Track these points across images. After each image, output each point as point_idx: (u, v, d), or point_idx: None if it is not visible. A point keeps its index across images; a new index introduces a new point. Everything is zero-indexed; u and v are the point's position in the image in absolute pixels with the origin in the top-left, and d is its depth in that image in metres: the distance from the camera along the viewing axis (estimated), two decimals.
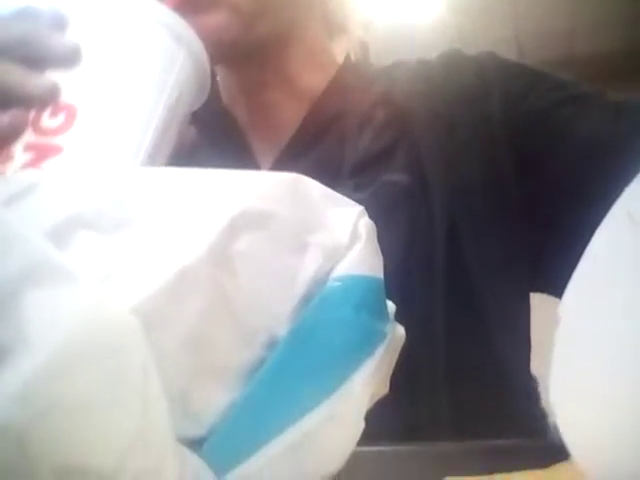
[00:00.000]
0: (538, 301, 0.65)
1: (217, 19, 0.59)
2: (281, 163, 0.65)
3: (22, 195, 0.25)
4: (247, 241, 0.27)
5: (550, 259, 0.60)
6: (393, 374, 0.53)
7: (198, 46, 0.47)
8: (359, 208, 0.33)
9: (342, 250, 0.30)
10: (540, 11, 3.96)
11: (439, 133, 0.63)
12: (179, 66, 0.45)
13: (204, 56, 0.48)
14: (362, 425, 0.29)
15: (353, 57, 0.73)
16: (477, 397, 0.58)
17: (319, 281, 0.29)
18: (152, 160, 0.42)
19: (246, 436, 0.25)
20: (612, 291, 0.21)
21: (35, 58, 0.41)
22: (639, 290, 0.20)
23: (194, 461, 0.23)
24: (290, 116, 0.68)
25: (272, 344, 0.27)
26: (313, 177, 0.63)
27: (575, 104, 0.60)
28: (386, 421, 0.52)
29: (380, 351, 0.30)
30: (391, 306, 0.33)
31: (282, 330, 0.27)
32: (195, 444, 0.24)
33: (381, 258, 0.33)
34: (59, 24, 0.43)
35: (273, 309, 0.27)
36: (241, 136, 0.69)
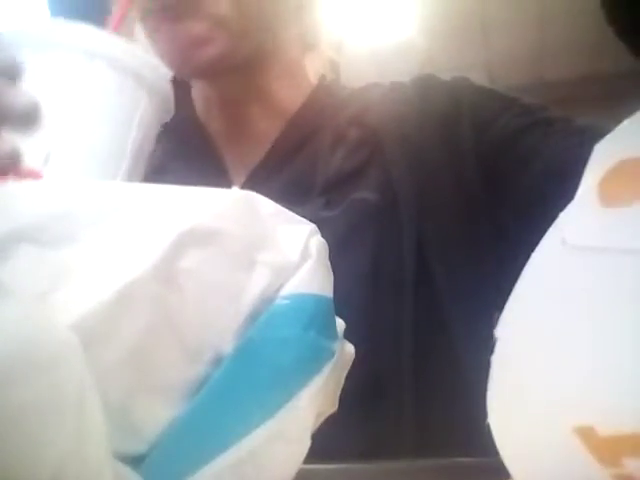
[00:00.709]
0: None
1: (200, 29, 0.57)
2: (254, 179, 0.65)
3: None
4: (194, 258, 0.27)
5: (514, 280, 0.60)
6: (359, 389, 0.53)
7: (160, 82, 0.45)
8: (311, 226, 0.33)
9: (291, 268, 0.30)
10: (510, 36, 4.03)
11: (410, 155, 0.64)
12: (142, 107, 0.42)
13: (168, 90, 0.46)
14: (308, 443, 0.29)
15: (327, 78, 0.74)
16: (442, 414, 0.58)
17: (267, 299, 0.29)
18: None
19: (188, 453, 0.25)
20: (544, 312, 0.22)
21: None
22: (569, 311, 0.21)
23: (132, 478, 0.23)
24: (265, 133, 0.68)
25: (217, 361, 0.27)
26: (285, 194, 0.63)
27: (541, 129, 0.62)
28: (351, 437, 0.53)
29: (327, 369, 0.30)
30: (340, 324, 0.33)
31: (228, 347, 0.27)
32: (135, 461, 0.24)
33: (331, 276, 0.33)
34: (13, 75, 0.39)
35: (219, 326, 0.27)
36: (214, 150, 0.69)
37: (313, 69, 0.74)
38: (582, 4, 3.81)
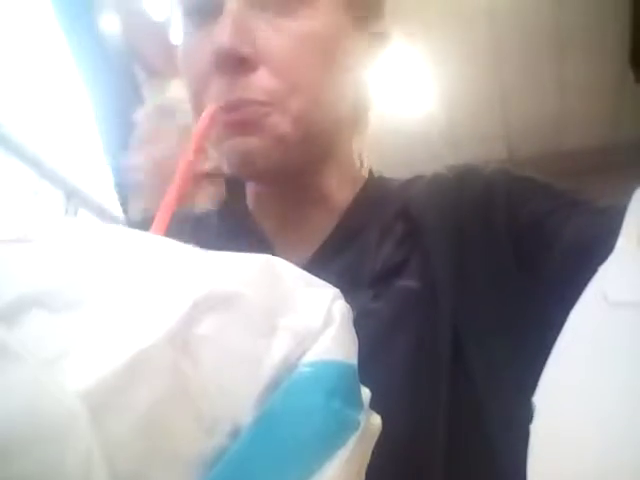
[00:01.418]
0: None
1: (257, 145, 0.60)
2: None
3: None
4: (211, 324, 0.25)
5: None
6: (393, 471, 0.52)
7: None
8: (333, 290, 0.32)
9: (314, 334, 0.29)
10: (528, 107, 4.07)
11: (448, 242, 0.66)
12: None
13: None
14: None
15: (374, 172, 0.77)
16: None
17: (288, 366, 0.28)
18: None
19: None
20: (586, 373, 0.20)
21: None
22: (615, 369, 0.19)
23: None
24: (317, 228, 0.70)
25: (235, 432, 0.26)
26: (335, 286, 0.66)
27: (566, 209, 0.64)
28: None
29: (353, 441, 0.28)
30: (366, 393, 0.31)
31: (247, 418, 0.26)
32: None
33: (356, 343, 0.31)
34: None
35: (237, 396, 0.26)
36: (266, 244, 0.70)
37: (360, 160, 0.77)
38: (599, 74, 3.86)
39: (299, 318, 0.29)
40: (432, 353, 0.61)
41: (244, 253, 0.31)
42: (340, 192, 0.71)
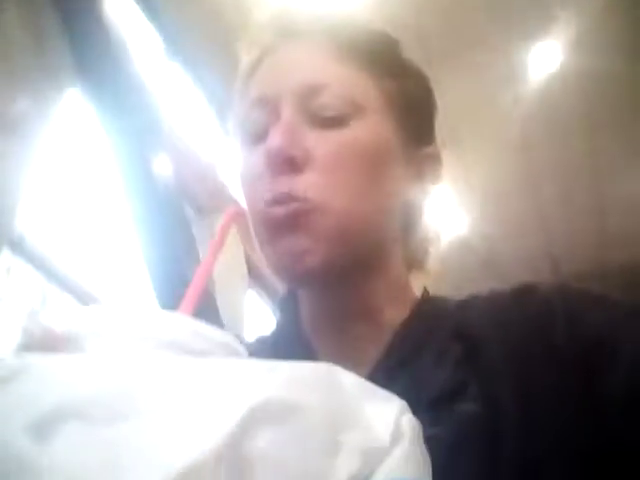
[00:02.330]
0: None
1: (300, 244, 0.61)
2: None
3: (8, 380, 0.21)
4: (267, 437, 0.22)
5: None
6: None
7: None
8: (401, 402, 0.29)
9: (382, 451, 0.26)
10: (569, 224, 4.06)
11: (509, 363, 0.64)
12: None
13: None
14: None
15: (429, 291, 0.75)
16: None
17: None
18: None
19: None
20: None
21: None
22: None
23: None
24: (370, 349, 0.68)
25: None
26: None
27: (627, 320, 0.63)
28: None
29: None
30: None
31: None
32: None
33: (429, 459, 0.28)
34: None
35: None
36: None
37: (417, 283, 0.76)
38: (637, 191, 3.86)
39: (365, 434, 0.26)
40: (494, 477, 0.58)
41: (304, 362, 0.29)
42: (391, 309, 0.70)
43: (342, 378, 0.28)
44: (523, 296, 0.70)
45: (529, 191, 3.91)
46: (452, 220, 3.90)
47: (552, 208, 3.99)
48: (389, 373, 0.66)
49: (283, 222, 0.62)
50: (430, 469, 0.27)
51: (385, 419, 0.27)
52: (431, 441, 0.60)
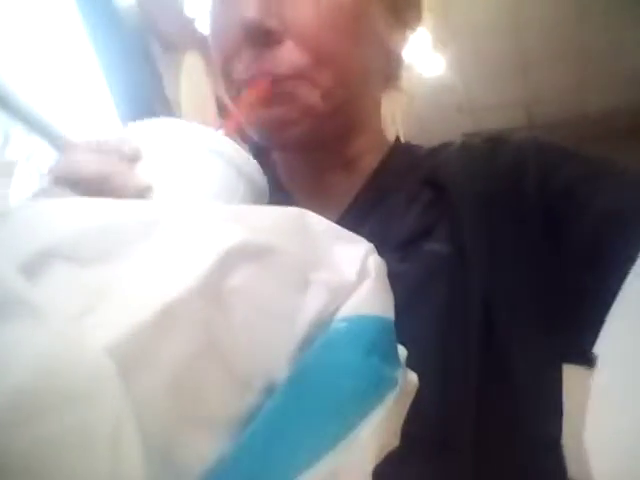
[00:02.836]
0: (569, 373, 0.66)
1: (286, 115, 0.61)
2: None
3: None
4: (243, 276, 0.24)
5: (580, 330, 0.61)
6: (421, 433, 0.51)
7: (258, 176, 0.48)
8: (367, 244, 0.30)
9: (349, 288, 0.28)
10: (549, 73, 4.01)
11: (478, 209, 0.66)
12: (239, 197, 0.45)
13: (264, 184, 0.49)
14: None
15: (401, 138, 0.77)
16: (503, 466, 0.58)
17: (323, 321, 0.26)
18: None
19: None
20: None
21: (110, 194, 0.40)
22: None
23: None
24: (345, 194, 0.70)
25: (269, 390, 0.24)
26: None
27: (599, 179, 0.64)
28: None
29: (390, 399, 0.27)
30: (402, 351, 0.30)
31: (281, 374, 0.25)
32: None
33: (392, 297, 0.30)
34: (133, 159, 0.43)
35: (270, 351, 0.24)
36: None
37: (388, 125, 0.77)
38: (622, 37, 3.79)
39: (333, 272, 0.28)
40: (461, 318, 0.61)
41: (276, 207, 0.30)
42: (367, 157, 0.72)
43: (312, 221, 0.30)
44: (496, 146, 0.71)
45: (511, 33, 3.81)
46: (429, 60, 3.82)
47: (533, 53, 3.92)
48: (359, 216, 0.68)
49: (267, 99, 0.60)
50: (393, 306, 0.29)
51: (352, 259, 0.29)
52: (399, 277, 0.63)
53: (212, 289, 0.23)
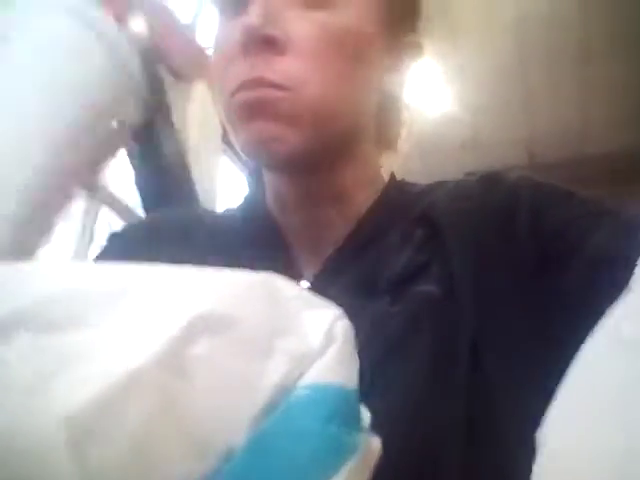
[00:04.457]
0: None
1: (269, 130, 0.61)
2: (323, 276, 0.68)
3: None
4: (206, 345, 0.25)
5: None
6: (407, 471, 0.51)
7: (125, 50, 0.47)
8: (336, 310, 0.31)
9: (313, 356, 0.29)
10: (551, 113, 4.04)
11: (470, 249, 0.65)
12: (94, 63, 0.44)
13: (132, 61, 0.48)
14: None
15: (397, 176, 0.76)
16: None
17: (285, 389, 0.27)
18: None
19: None
20: (598, 410, 0.20)
21: None
22: (625, 403, 0.19)
23: None
24: (338, 231, 0.70)
25: (228, 455, 0.25)
26: (353, 290, 0.64)
27: (591, 219, 0.63)
28: None
29: (349, 466, 0.28)
30: (365, 416, 0.31)
31: (240, 440, 0.26)
32: None
33: (357, 365, 0.31)
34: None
35: (231, 418, 0.25)
36: (285, 246, 0.71)
37: (386, 166, 0.76)
38: (623, 80, 3.82)
39: (297, 340, 0.29)
40: (450, 359, 0.61)
41: (245, 271, 0.31)
42: (360, 194, 0.71)
43: (282, 287, 0.31)
44: (490, 185, 0.71)
45: (517, 74, 3.85)
46: (436, 97, 3.85)
47: (537, 94, 3.95)
48: (352, 255, 0.68)
49: (253, 107, 0.60)
50: (357, 372, 0.30)
51: (319, 326, 0.30)
52: (391, 318, 0.63)
53: (173, 358, 0.24)
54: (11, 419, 0.19)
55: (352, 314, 0.63)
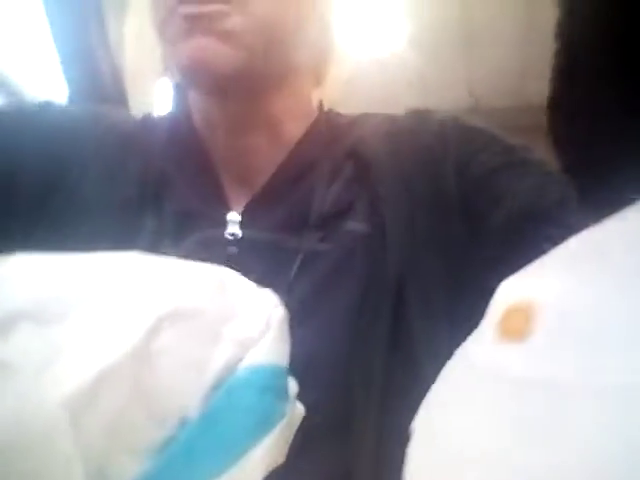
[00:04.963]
0: None
1: (212, 48, 0.58)
2: (253, 209, 0.67)
3: None
4: (168, 337, 0.31)
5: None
6: (329, 405, 0.55)
7: None
8: (274, 300, 0.38)
9: (252, 341, 0.35)
10: (493, 57, 4.08)
11: (399, 189, 0.66)
12: None
13: None
14: None
15: (325, 106, 0.75)
16: (402, 454, 0.63)
17: (229, 369, 0.34)
18: None
19: None
20: (450, 422, 0.26)
21: None
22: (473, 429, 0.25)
23: None
24: (266, 161, 0.69)
25: (183, 424, 0.32)
26: (282, 226, 0.65)
27: (516, 169, 0.64)
28: (321, 468, 0.56)
29: (279, 428, 0.35)
30: (293, 387, 0.38)
31: (193, 412, 0.32)
32: None
33: (288, 346, 0.38)
34: None
35: (186, 395, 0.32)
36: (214, 174, 0.69)
37: (313, 96, 0.74)
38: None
39: (241, 327, 0.35)
40: (376, 298, 0.62)
41: (201, 264, 0.37)
42: (290, 123, 0.70)
43: (228, 279, 0.37)
44: (418, 123, 0.70)
45: (461, 18, 3.86)
46: (384, 37, 3.84)
47: (479, 36, 3.98)
48: (281, 189, 0.67)
49: (195, 21, 0.58)
50: (287, 353, 0.37)
51: (259, 315, 0.36)
52: (320, 257, 0.63)
53: (142, 352, 0.30)
54: (17, 406, 0.25)
55: (282, 251, 0.63)
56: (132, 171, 0.67)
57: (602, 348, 0.21)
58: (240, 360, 0.34)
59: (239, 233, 0.65)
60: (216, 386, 0.33)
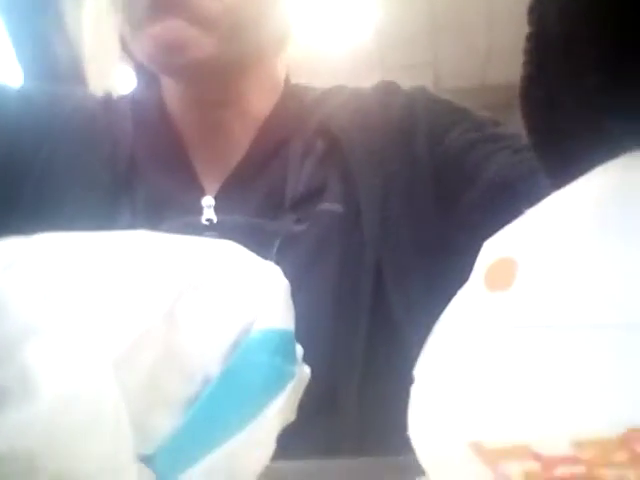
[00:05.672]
0: None
1: (187, 31, 0.57)
2: (227, 192, 0.67)
3: (11, 264, 0.32)
4: (191, 303, 0.35)
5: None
6: (312, 388, 0.59)
7: None
8: (278, 270, 0.41)
9: (263, 305, 0.39)
10: (457, 39, 4.14)
11: (371, 164, 0.66)
12: None
13: None
14: (274, 446, 0.38)
15: (291, 80, 0.75)
16: (387, 425, 0.63)
17: (244, 332, 0.37)
18: None
19: (186, 453, 0.33)
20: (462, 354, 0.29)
21: None
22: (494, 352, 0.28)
23: (147, 473, 0.31)
24: (238, 140, 0.69)
25: (207, 381, 0.35)
26: (258, 208, 0.65)
27: (488, 145, 0.65)
28: (308, 439, 0.58)
29: (289, 387, 0.39)
30: (299, 350, 0.41)
31: (216, 370, 0.35)
32: (147, 459, 0.32)
33: (293, 312, 0.41)
34: None
35: (209, 355, 0.35)
36: (186, 156, 0.69)
37: (280, 70, 0.74)
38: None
39: (252, 293, 0.38)
40: (355, 275, 0.63)
41: (207, 239, 0.40)
42: (260, 101, 0.69)
43: (236, 252, 0.40)
44: (386, 96, 0.71)
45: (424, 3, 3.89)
46: (346, 25, 3.85)
47: (442, 20, 4.03)
48: (255, 168, 0.67)
49: (166, 3, 0.56)
50: (293, 318, 0.41)
51: (267, 281, 0.40)
52: (297, 239, 0.64)
53: (171, 316, 0.33)
54: (75, 363, 0.28)
55: (260, 235, 0.64)
56: (101, 156, 0.65)
57: (589, 291, 0.25)
58: (253, 323, 0.38)
59: (214, 218, 0.64)
60: (234, 346, 0.36)
